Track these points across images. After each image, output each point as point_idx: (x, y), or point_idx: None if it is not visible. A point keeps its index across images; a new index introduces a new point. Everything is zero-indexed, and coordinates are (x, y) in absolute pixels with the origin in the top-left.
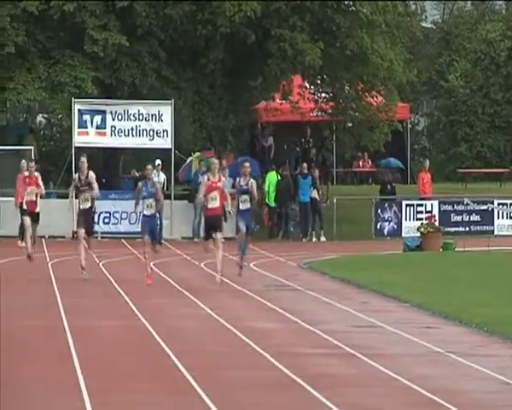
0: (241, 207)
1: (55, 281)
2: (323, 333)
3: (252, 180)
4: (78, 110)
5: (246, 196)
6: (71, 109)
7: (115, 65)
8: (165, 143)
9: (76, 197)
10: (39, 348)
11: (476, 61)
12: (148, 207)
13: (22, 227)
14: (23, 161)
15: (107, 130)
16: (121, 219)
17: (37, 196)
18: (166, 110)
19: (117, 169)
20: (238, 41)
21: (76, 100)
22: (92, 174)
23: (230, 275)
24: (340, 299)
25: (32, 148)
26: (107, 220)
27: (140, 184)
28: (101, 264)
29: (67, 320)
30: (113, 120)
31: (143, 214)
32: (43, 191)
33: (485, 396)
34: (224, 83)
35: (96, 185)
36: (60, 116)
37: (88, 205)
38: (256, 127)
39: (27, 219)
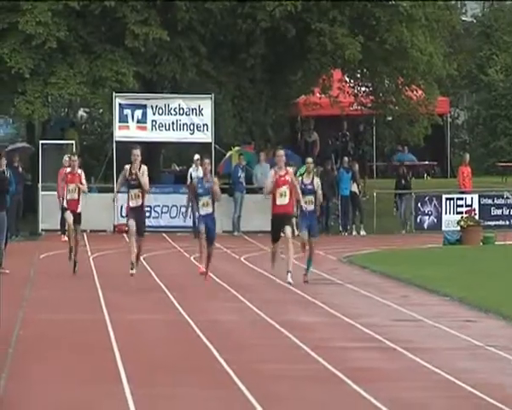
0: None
1: (96, 275)
2: (363, 327)
3: (317, 179)
4: (119, 104)
5: (310, 197)
6: (112, 104)
7: (156, 60)
8: (206, 137)
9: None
10: (82, 342)
11: None
12: (204, 205)
13: (63, 222)
14: (65, 156)
15: (148, 124)
16: (162, 213)
17: (79, 195)
18: (207, 104)
19: (157, 163)
20: (278, 36)
21: (117, 94)
22: (145, 168)
23: (269, 268)
24: (379, 293)
25: (73, 142)
26: (147, 214)
27: (195, 180)
28: (141, 258)
29: (109, 314)
30: (154, 114)
31: (199, 215)
32: (86, 190)
33: None
34: (264, 77)
35: (146, 180)
36: (101, 110)
37: (139, 202)
38: (296, 121)
39: (70, 216)
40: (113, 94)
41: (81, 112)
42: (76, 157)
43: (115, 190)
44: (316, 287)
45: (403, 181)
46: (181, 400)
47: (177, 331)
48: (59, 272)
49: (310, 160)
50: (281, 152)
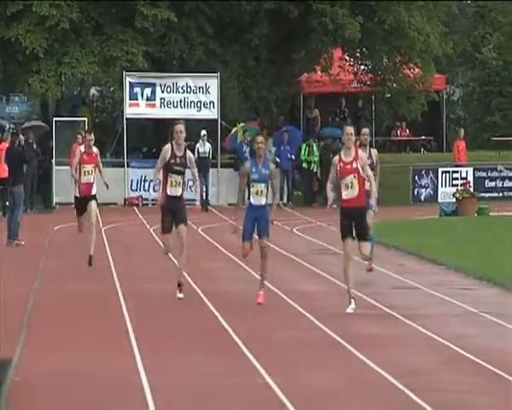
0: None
1: (108, 247)
2: (363, 295)
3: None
4: (129, 83)
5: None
6: (122, 82)
7: (164, 40)
8: (212, 114)
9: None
10: (94, 310)
11: (510, 33)
12: (257, 194)
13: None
14: (79, 134)
15: (157, 102)
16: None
17: (95, 177)
18: (213, 83)
19: (166, 140)
20: (281, 16)
21: (127, 73)
22: (191, 155)
23: (275, 240)
24: (379, 262)
25: (85, 119)
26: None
27: (248, 163)
28: (151, 229)
29: (120, 284)
30: (163, 92)
31: (250, 204)
32: (103, 172)
33: None
34: (268, 56)
35: (196, 170)
36: (112, 89)
37: (179, 192)
38: (297, 98)
39: (81, 219)
40: (124, 73)
41: (93, 90)
42: (92, 135)
43: (156, 175)
44: (319, 257)
45: (331, 155)
46: (190, 367)
47: (187, 301)
48: (72, 243)
49: (365, 130)
50: (348, 129)
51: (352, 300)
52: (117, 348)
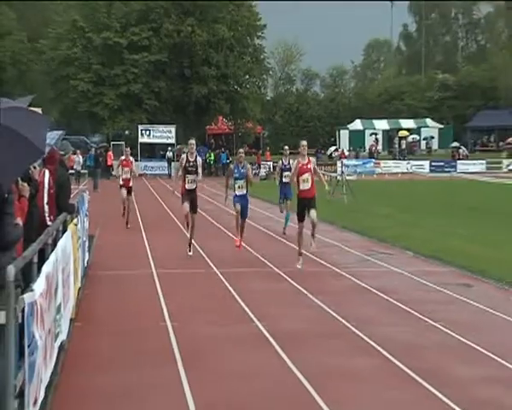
0: (284, 180)
1: (143, 229)
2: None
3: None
4: (140, 129)
5: (287, 173)
6: (137, 128)
7: (151, 112)
8: (172, 140)
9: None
10: (131, 284)
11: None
12: (239, 187)
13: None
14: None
15: (151, 135)
16: None
17: (131, 175)
18: (173, 128)
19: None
20: (200, 102)
21: (140, 125)
22: (199, 159)
23: (268, 226)
24: (345, 244)
25: (123, 143)
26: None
27: (232, 166)
28: (170, 212)
29: (157, 271)
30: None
31: (235, 194)
32: (136, 173)
33: None
34: (194, 118)
35: (200, 171)
36: (126, 131)
37: (194, 186)
38: (205, 135)
39: (124, 192)
40: (138, 127)
41: (127, 132)
42: (128, 149)
43: (175, 177)
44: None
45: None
46: (207, 337)
47: (212, 283)
48: (115, 224)
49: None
50: (303, 142)
51: (300, 257)
52: (153, 315)
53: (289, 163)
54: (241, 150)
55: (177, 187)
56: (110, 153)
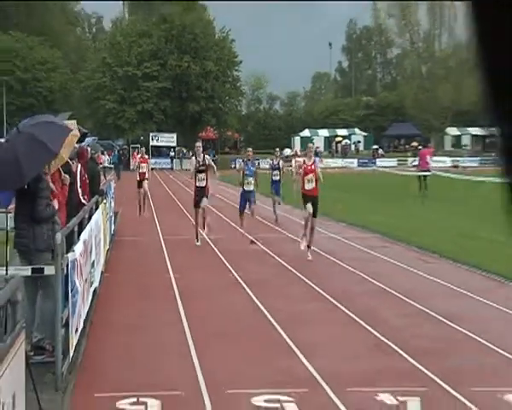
0: (274, 178)
1: (156, 216)
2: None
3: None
4: (151, 135)
5: (276, 172)
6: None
7: (156, 118)
8: (173, 143)
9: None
10: (145, 247)
11: None
12: (248, 183)
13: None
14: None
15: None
16: None
17: (148, 170)
18: (174, 136)
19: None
20: (197, 116)
21: (151, 133)
22: (208, 157)
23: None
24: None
25: (138, 145)
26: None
27: (242, 163)
28: (173, 196)
29: (163, 238)
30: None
31: (244, 189)
32: (149, 167)
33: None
34: (189, 127)
35: (214, 167)
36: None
37: (203, 184)
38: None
39: (141, 186)
40: (150, 135)
41: (142, 137)
42: (143, 149)
43: (192, 175)
44: (287, 225)
45: None
46: (200, 282)
47: (204, 251)
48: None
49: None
50: (310, 145)
51: (304, 237)
52: (160, 267)
53: (278, 163)
54: (249, 149)
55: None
56: (135, 153)
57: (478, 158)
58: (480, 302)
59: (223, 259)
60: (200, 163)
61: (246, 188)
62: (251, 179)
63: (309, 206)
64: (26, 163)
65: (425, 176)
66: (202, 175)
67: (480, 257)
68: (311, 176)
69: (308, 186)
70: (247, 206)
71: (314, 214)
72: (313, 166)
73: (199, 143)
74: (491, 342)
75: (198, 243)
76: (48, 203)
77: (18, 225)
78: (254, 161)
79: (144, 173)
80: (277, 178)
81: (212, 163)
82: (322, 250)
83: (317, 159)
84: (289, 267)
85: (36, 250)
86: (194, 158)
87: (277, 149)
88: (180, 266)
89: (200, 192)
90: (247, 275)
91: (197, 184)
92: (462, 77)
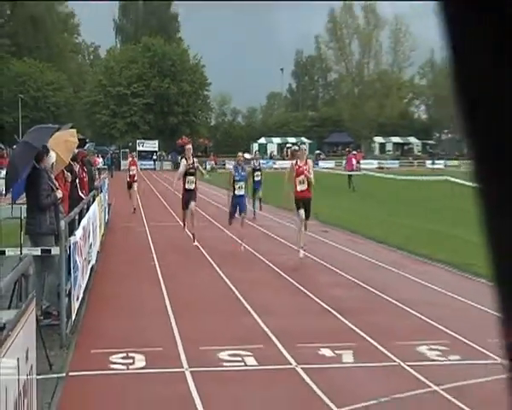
0: (256, 179)
1: (141, 207)
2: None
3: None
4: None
5: (258, 172)
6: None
7: (144, 127)
8: (155, 147)
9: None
10: (132, 232)
11: None
12: (239, 188)
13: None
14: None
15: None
16: None
17: (136, 171)
18: (156, 142)
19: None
20: (173, 128)
21: (138, 140)
22: (196, 160)
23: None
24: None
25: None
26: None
27: (232, 169)
28: (155, 190)
29: (148, 225)
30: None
31: (235, 194)
32: (138, 168)
33: None
34: (170, 134)
35: (202, 169)
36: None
37: (192, 187)
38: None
39: (131, 187)
40: (136, 141)
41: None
42: (134, 153)
43: (176, 178)
44: (268, 225)
45: None
46: (177, 262)
47: (184, 239)
48: (126, 194)
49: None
50: (303, 147)
51: (301, 249)
52: (145, 252)
53: (259, 164)
54: (240, 154)
55: (177, 187)
56: (129, 155)
57: (398, 161)
58: (396, 273)
59: (199, 246)
60: (191, 166)
61: (237, 193)
62: (242, 184)
63: (301, 212)
64: (18, 163)
65: (350, 175)
66: (192, 178)
67: (398, 239)
68: (302, 177)
69: (300, 188)
70: (238, 212)
71: (306, 216)
72: (306, 167)
73: (189, 146)
74: (406, 305)
75: (195, 243)
76: (48, 194)
77: (28, 214)
78: (245, 165)
79: (134, 175)
80: (259, 178)
81: (201, 167)
82: (279, 236)
83: (310, 161)
84: (248, 248)
85: (40, 234)
86: (184, 160)
87: (257, 152)
88: (161, 247)
89: (189, 195)
90: (213, 251)
91: (186, 187)
92: (385, 96)
